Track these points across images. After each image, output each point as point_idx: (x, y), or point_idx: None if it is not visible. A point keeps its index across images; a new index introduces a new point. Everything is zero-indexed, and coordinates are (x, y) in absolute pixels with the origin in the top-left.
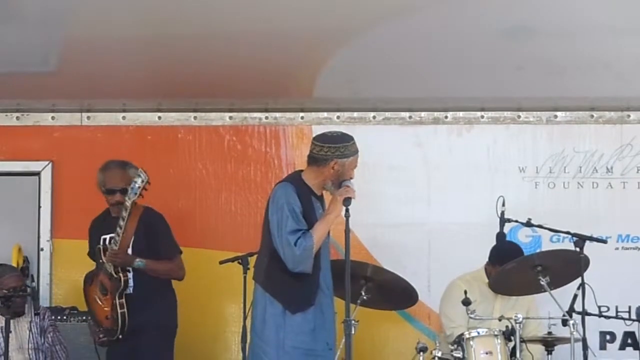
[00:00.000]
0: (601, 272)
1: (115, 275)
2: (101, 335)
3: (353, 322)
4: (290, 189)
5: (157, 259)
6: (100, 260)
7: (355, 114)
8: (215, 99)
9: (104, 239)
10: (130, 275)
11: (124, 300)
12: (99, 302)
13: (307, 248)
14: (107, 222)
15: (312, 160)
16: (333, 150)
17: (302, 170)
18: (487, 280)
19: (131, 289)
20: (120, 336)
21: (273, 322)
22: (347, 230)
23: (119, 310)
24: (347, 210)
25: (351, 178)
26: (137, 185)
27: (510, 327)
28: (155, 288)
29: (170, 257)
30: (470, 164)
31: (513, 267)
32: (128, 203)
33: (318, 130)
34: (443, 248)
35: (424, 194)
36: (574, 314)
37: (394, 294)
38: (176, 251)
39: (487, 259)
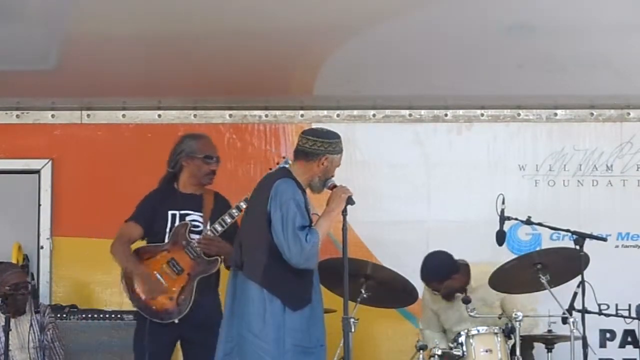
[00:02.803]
0: (601, 270)
1: (207, 258)
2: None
3: (353, 320)
4: (293, 184)
5: None
6: (184, 239)
7: (355, 112)
8: (215, 97)
9: (183, 215)
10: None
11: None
12: (161, 280)
13: (315, 244)
14: (175, 197)
15: (302, 154)
16: (326, 145)
17: (285, 167)
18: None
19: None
20: (177, 320)
21: (273, 321)
22: (345, 228)
23: (194, 294)
24: (344, 209)
25: (332, 176)
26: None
27: (510, 325)
28: (216, 281)
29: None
30: (470, 162)
31: (513, 265)
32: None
33: None
34: (443, 246)
35: (424, 192)
36: (574, 312)
37: (394, 291)
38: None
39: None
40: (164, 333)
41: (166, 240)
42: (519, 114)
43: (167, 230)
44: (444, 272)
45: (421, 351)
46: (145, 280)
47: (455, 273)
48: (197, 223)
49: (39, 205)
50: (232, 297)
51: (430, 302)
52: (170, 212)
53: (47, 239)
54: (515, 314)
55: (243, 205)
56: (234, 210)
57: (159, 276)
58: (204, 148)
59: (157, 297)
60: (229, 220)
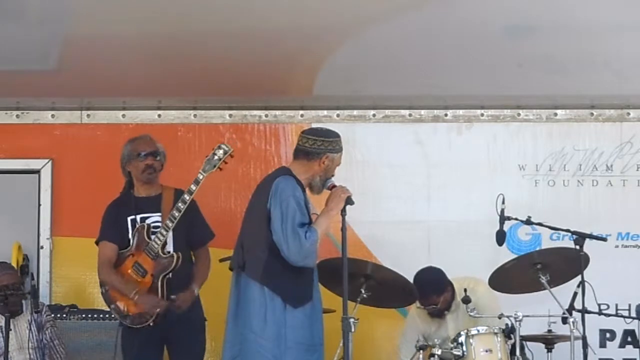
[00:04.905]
0: (601, 270)
1: (164, 255)
2: (127, 322)
3: (353, 320)
4: (293, 182)
5: (189, 243)
6: (145, 241)
7: (355, 112)
8: (215, 97)
9: (142, 218)
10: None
11: (171, 272)
12: (133, 283)
13: (314, 242)
14: (132, 202)
15: (303, 153)
16: (327, 144)
17: (285, 167)
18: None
19: (170, 273)
20: (152, 323)
21: (274, 319)
22: (344, 229)
23: (161, 293)
24: (343, 208)
25: (332, 176)
26: (216, 157)
27: (510, 325)
28: (191, 274)
29: (204, 242)
30: (470, 161)
31: (513, 264)
32: (201, 176)
33: None
34: (443, 246)
35: (424, 192)
36: (574, 312)
37: (394, 291)
38: (211, 234)
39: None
40: (145, 338)
41: (130, 245)
42: (519, 114)
43: (130, 236)
44: (442, 284)
45: (421, 351)
46: (119, 288)
47: (449, 285)
48: (157, 224)
49: (39, 205)
50: (236, 300)
51: (420, 325)
52: (129, 218)
53: (47, 239)
54: (516, 314)
55: (187, 198)
56: (180, 204)
57: (130, 280)
58: (137, 147)
59: (132, 303)
60: (176, 214)
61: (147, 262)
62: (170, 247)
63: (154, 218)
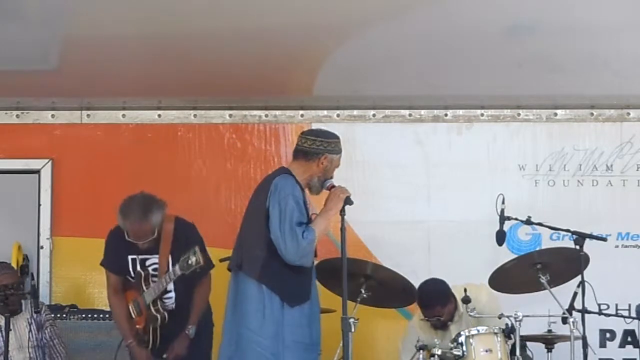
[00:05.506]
0: (601, 270)
1: (153, 310)
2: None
3: (353, 320)
4: (292, 180)
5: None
6: (142, 289)
7: (355, 112)
8: (215, 97)
9: (142, 260)
10: (172, 295)
11: (158, 326)
12: (132, 313)
13: (311, 241)
14: (131, 241)
15: (302, 154)
16: (325, 144)
17: (285, 167)
18: None
19: (173, 305)
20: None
21: (272, 318)
22: (343, 229)
23: (152, 337)
24: (342, 208)
25: (331, 178)
26: (190, 262)
27: (510, 325)
28: (190, 307)
29: (202, 275)
30: (470, 161)
31: (513, 265)
32: (179, 272)
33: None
34: (443, 246)
35: (424, 192)
36: (574, 312)
37: (394, 291)
38: (209, 266)
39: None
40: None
41: (134, 278)
42: (519, 114)
43: (132, 272)
44: (446, 295)
45: (421, 351)
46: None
47: (453, 297)
48: (156, 266)
49: (39, 205)
50: (234, 300)
51: (422, 337)
52: (130, 257)
53: (47, 239)
54: (516, 314)
55: (160, 288)
56: (161, 285)
57: (131, 309)
58: (129, 232)
59: (134, 329)
60: (157, 292)
61: (143, 306)
62: (170, 286)
63: (153, 260)
